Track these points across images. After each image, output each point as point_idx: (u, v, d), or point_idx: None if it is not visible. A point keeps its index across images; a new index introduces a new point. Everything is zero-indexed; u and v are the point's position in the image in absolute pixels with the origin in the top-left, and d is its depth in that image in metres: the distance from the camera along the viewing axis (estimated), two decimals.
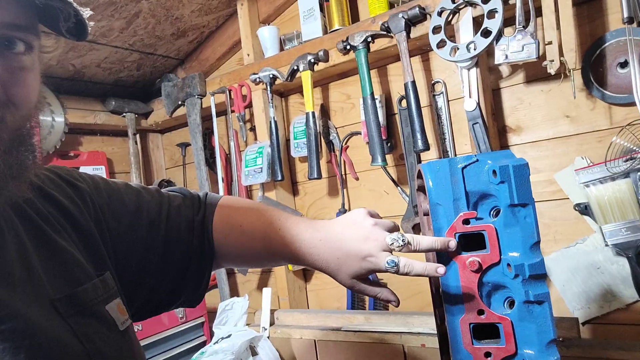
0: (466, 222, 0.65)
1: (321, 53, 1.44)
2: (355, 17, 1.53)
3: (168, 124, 2.04)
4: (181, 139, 2.07)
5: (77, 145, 1.89)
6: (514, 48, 1.10)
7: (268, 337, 1.50)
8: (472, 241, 0.66)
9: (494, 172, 0.63)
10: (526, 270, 0.59)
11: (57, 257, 0.59)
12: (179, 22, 1.72)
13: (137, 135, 1.97)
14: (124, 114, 1.92)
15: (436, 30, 1.20)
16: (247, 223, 0.76)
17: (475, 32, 1.14)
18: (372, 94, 1.34)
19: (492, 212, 0.66)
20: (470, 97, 1.17)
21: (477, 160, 0.67)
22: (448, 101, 1.35)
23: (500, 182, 0.63)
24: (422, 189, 0.75)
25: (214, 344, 1.53)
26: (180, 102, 1.84)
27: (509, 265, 0.62)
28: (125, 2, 1.50)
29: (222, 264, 0.79)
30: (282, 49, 1.63)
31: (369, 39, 1.34)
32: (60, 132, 1.72)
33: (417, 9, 1.24)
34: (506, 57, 1.10)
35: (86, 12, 0.51)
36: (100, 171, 1.90)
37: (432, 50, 1.20)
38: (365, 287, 0.71)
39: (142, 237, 0.70)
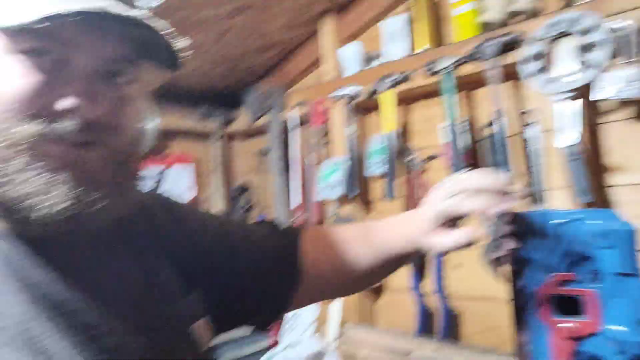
0: (562, 283, 0.62)
1: (404, 75, 1.42)
2: (443, 38, 1.49)
3: (249, 132, 2.12)
4: (261, 146, 2.14)
5: (168, 147, 2.02)
6: (618, 82, 1.02)
7: (335, 354, 1.51)
8: (565, 305, 0.63)
9: (600, 234, 0.60)
10: (635, 349, 0.56)
11: (151, 274, 0.63)
12: (265, 37, 1.78)
13: (221, 140, 2.07)
14: (211, 120, 2.03)
15: (531, 59, 1.14)
16: (343, 235, 0.80)
17: (575, 63, 1.07)
18: (457, 120, 1.31)
19: (591, 276, 0.62)
20: (565, 131, 1.10)
21: (579, 218, 0.63)
22: (539, 133, 1.28)
23: (607, 247, 0.59)
24: (510, 235, 0.72)
25: (283, 350, 1.58)
26: (261, 114, 1.91)
27: (610, 338, 0.58)
28: (219, 19, 1.58)
29: (313, 293, 0.80)
30: (364, 67, 1.64)
31: (457, 64, 1.30)
32: (154, 134, 1.85)
33: (512, 35, 1.19)
34: (609, 92, 1.03)
35: (182, 42, 0.53)
36: (188, 172, 2.03)
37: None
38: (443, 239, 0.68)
39: (222, 261, 0.73)
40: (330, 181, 1.62)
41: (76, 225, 0.49)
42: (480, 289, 1.40)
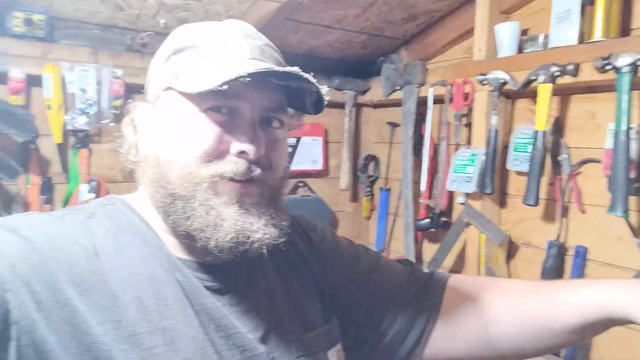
0: None
1: (570, 67, 1.24)
2: (625, 27, 1.25)
3: (382, 101, 2.07)
4: (392, 117, 2.08)
5: (303, 119, 2.07)
6: None
7: None
8: None
9: None
10: None
11: (296, 300, 0.69)
12: (412, 8, 1.67)
13: (352, 111, 2.06)
14: (344, 91, 2.02)
15: None
16: (502, 289, 0.72)
17: None
18: (628, 128, 1.12)
19: None
20: None
21: None
22: None
23: None
24: None
25: None
26: (398, 87, 1.84)
27: None
28: None
29: (443, 346, 0.73)
30: (520, 50, 1.46)
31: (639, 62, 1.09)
32: None
33: None
34: None
35: (324, 89, 0.60)
36: (318, 142, 2.09)
37: None
38: None
39: (350, 291, 0.75)
40: (464, 173, 1.54)
41: (242, 253, 0.57)
42: None
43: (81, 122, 1.58)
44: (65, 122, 1.56)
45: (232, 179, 0.57)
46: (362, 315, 0.74)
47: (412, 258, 1.76)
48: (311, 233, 0.77)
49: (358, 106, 2.17)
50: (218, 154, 0.57)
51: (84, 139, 1.62)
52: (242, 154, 0.57)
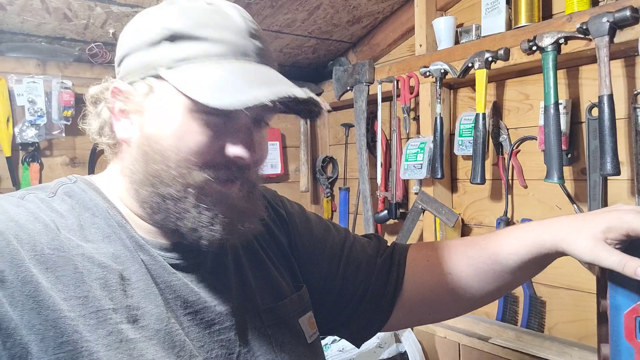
0: None
1: (501, 52, 1.34)
2: (547, 12, 1.37)
3: (335, 104, 2.13)
4: (346, 119, 2.15)
5: None
6: None
7: (412, 329, 1.55)
8: None
9: None
10: None
11: (265, 272, 0.71)
12: (355, 10, 1.75)
13: None
14: None
15: None
16: (449, 242, 0.78)
17: None
18: (556, 102, 1.22)
19: None
20: None
21: None
22: None
23: None
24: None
25: None
26: (348, 87, 1.91)
27: None
28: None
29: (413, 308, 0.78)
30: (457, 42, 1.56)
31: (561, 41, 1.20)
32: None
33: (628, 10, 1.06)
34: None
35: (325, 105, 0.60)
36: (275, 146, 2.12)
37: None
38: (607, 255, 0.58)
39: (323, 267, 0.77)
40: (415, 161, 1.61)
41: (228, 245, 0.61)
42: (570, 277, 1.33)
43: (30, 134, 1.56)
44: (14, 135, 1.53)
45: (224, 181, 0.58)
46: (337, 287, 0.77)
47: None
48: (279, 208, 0.79)
49: None
50: (212, 158, 0.57)
51: (34, 152, 1.60)
52: (237, 158, 0.58)
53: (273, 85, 0.54)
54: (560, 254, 0.66)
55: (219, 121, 0.57)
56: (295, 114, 0.63)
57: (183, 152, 0.56)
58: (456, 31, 1.57)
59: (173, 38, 0.56)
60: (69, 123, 1.60)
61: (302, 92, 0.55)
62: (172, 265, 0.61)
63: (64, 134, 1.60)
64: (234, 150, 0.57)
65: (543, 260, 0.69)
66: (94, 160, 1.70)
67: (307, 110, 0.60)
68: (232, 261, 0.68)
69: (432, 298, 0.77)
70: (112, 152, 0.65)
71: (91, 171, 1.70)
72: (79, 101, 1.60)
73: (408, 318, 0.81)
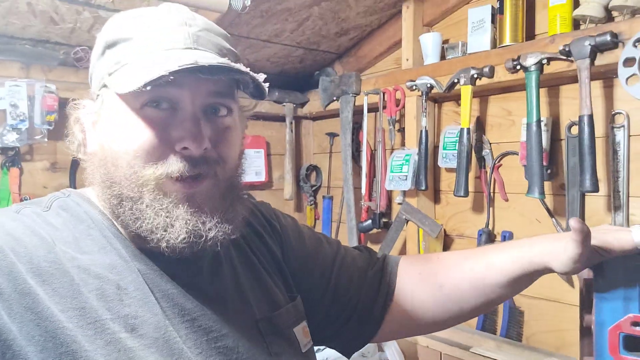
0: (636, 324, 0.62)
1: (486, 69, 1.38)
2: (530, 32, 1.42)
3: (320, 113, 2.15)
4: (331, 128, 2.17)
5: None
6: None
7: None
8: (633, 343, 0.63)
9: None
10: None
11: (261, 283, 0.72)
12: (344, 22, 1.78)
13: (293, 122, 2.13)
14: (284, 104, 2.09)
15: (628, 62, 1.07)
16: (448, 260, 0.80)
17: None
18: (538, 120, 1.26)
19: None
20: None
21: None
22: (629, 136, 1.21)
23: None
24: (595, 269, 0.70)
25: None
26: (335, 98, 1.94)
27: None
28: (299, 9, 1.61)
29: (402, 319, 0.79)
30: (443, 57, 1.60)
31: (544, 61, 1.25)
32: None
33: (609, 35, 1.11)
34: None
35: (260, 76, 0.58)
36: (260, 154, 2.12)
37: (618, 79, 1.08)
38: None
39: (315, 279, 0.79)
40: (400, 173, 1.64)
41: (197, 250, 0.57)
42: (548, 289, 1.38)
43: (11, 138, 1.52)
44: None
45: (179, 179, 0.56)
46: (328, 299, 0.78)
47: None
48: (273, 221, 0.80)
49: (298, 119, 2.24)
50: (161, 153, 0.56)
51: (15, 156, 1.56)
52: (185, 150, 0.56)
53: (182, 60, 0.52)
54: (547, 269, 0.69)
55: (162, 115, 0.57)
56: (241, 91, 0.62)
57: (131, 151, 0.56)
58: (442, 47, 1.61)
59: (110, 45, 0.59)
60: (51, 128, 1.57)
61: (212, 60, 0.53)
62: (168, 274, 0.61)
63: (46, 139, 1.57)
64: (179, 140, 0.56)
65: (533, 275, 0.72)
66: (76, 166, 1.67)
67: (252, 90, 0.61)
68: (228, 270, 0.68)
69: (422, 311, 0.79)
70: (89, 169, 0.65)
71: (72, 176, 1.67)
72: (63, 105, 1.57)
73: (397, 330, 0.83)
